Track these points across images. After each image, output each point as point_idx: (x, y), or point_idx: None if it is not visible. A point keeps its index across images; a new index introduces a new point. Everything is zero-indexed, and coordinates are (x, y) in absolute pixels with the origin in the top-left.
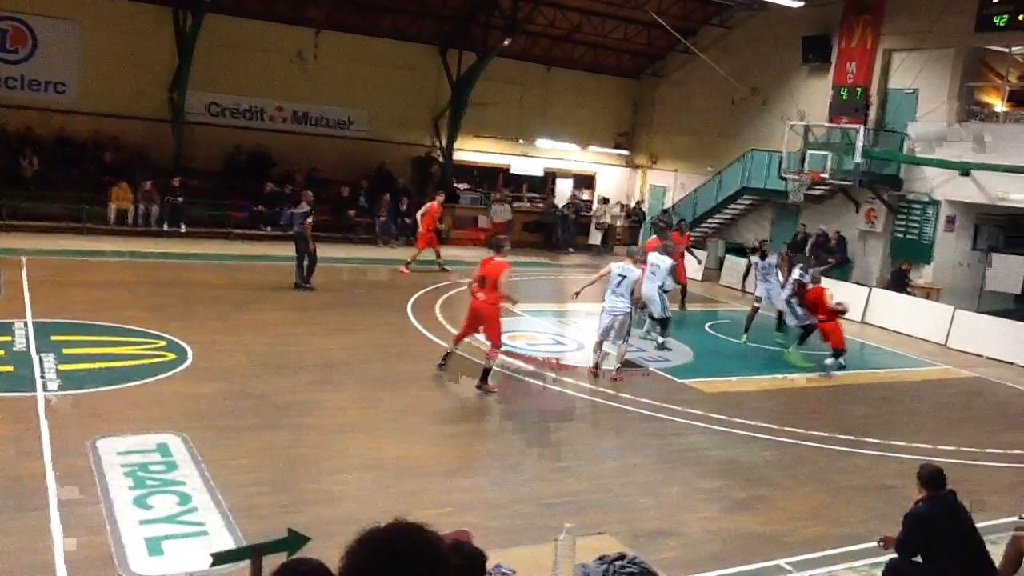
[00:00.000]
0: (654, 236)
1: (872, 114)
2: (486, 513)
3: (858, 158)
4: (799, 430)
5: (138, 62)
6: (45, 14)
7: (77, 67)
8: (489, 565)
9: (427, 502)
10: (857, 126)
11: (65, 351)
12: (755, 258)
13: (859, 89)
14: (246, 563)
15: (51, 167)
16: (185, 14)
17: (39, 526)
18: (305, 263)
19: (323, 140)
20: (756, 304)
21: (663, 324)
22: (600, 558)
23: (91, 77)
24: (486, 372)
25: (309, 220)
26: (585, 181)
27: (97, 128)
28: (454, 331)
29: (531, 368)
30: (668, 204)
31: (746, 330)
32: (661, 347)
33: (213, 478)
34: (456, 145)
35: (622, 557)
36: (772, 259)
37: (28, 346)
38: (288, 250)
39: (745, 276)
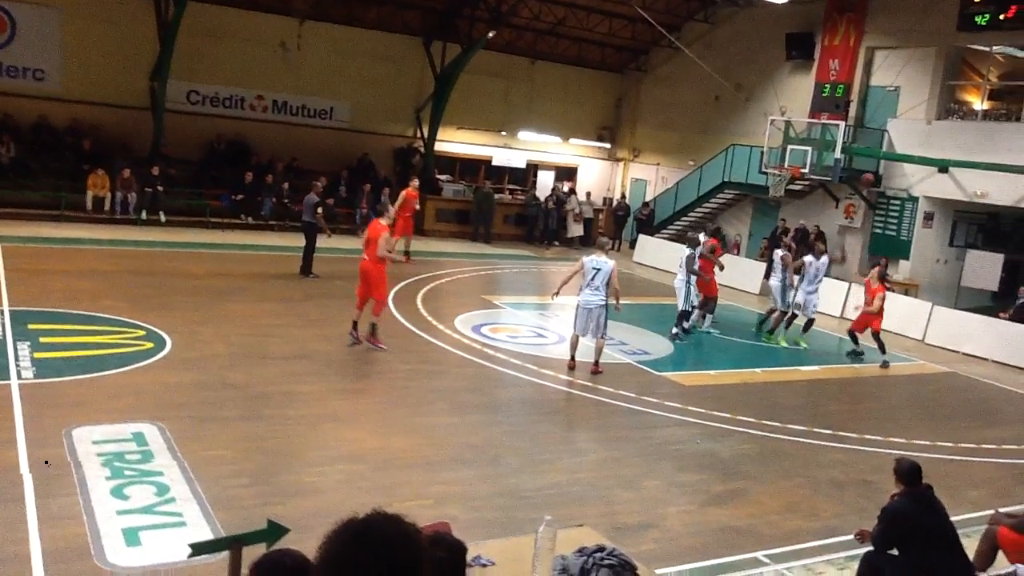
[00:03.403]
0: (710, 237)
1: (853, 111)
2: (466, 505)
3: (838, 154)
4: (776, 424)
5: (119, 50)
6: (25, 0)
7: (57, 54)
8: (469, 557)
9: (407, 494)
10: (838, 122)
11: (42, 340)
12: (810, 258)
13: (841, 86)
14: (225, 554)
15: (29, 154)
16: (167, 2)
17: (14, 517)
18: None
19: (304, 130)
20: (796, 311)
21: (683, 316)
22: (579, 550)
23: (71, 64)
24: (373, 327)
25: (320, 210)
26: (567, 174)
27: (76, 115)
28: (436, 323)
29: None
30: (649, 197)
31: (805, 330)
32: (675, 337)
33: (191, 469)
34: (439, 137)
35: (601, 549)
36: (825, 259)
37: (4, 334)
38: (266, 239)
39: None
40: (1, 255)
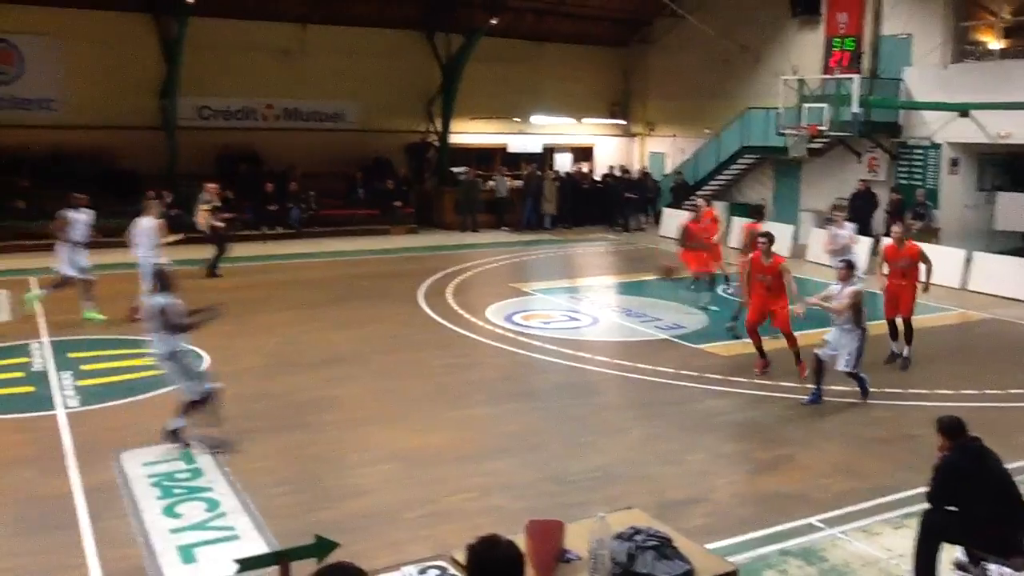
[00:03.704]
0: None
1: (866, 63)
2: (511, 494)
3: (855, 108)
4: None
5: (125, 72)
6: (28, 31)
7: (65, 82)
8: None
9: (451, 488)
10: (852, 76)
11: (82, 367)
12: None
13: (851, 39)
14: (274, 569)
15: (47, 185)
16: (168, 20)
17: (71, 543)
18: None
19: (315, 135)
20: None
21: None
22: (617, 535)
23: (80, 91)
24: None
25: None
26: (584, 154)
27: (89, 142)
28: (467, 315)
29: None
30: (668, 170)
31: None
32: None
33: (239, 482)
34: (452, 129)
35: (637, 532)
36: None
37: (46, 365)
38: (288, 248)
39: None
40: (35, 287)
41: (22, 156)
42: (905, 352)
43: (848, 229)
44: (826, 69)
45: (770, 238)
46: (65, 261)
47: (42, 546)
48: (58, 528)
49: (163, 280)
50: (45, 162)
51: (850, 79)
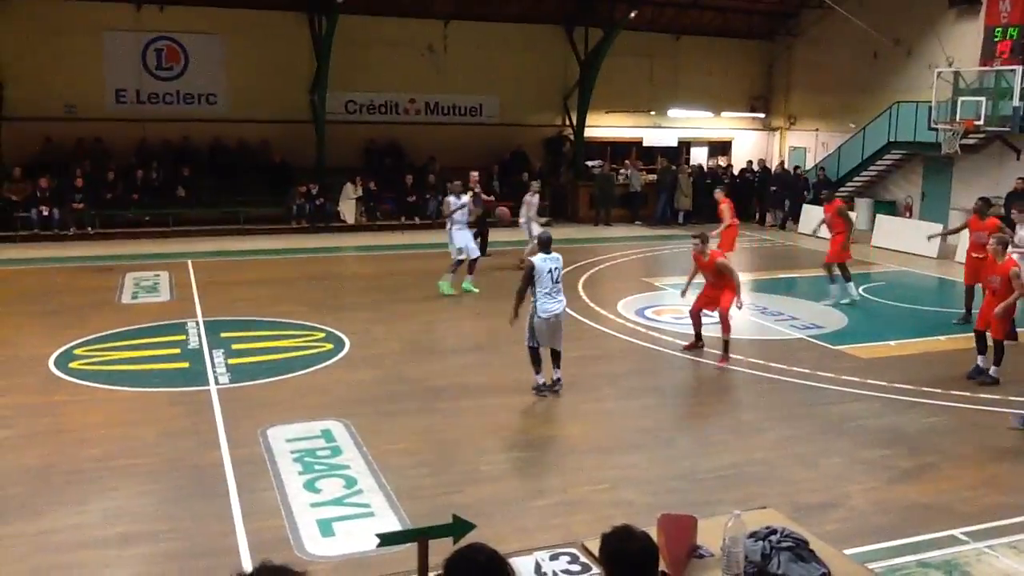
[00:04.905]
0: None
1: None
2: (641, 489)
3: (1016, 102)
4: (966, 393)
5: (278, 68)
6: (192, 31)
7: (224, 78)
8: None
9: (582, 480)
10: (1014, 67)
11: (234, 347)
12: None
13: (1014, 28)
14: (412, 544)
15: (207, 174)
16: (320, 18)
17: (222, 511)
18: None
19: (455, 128)
20: None
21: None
22: (752, 534)
23: (237, 87)
24: None
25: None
26: (721, 148)
27: (245, 134)
28: (599, 308)
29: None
30: (809, 165)
31: None
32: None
33: (375, 461)
34: (588, 122)
35: (773, 532)
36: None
37: (200, 343)
38: (426, 238)
39: None
40: (192, 270)
41: (184, 147)
42: (992, 372)
43: None
44: (985, 60)
45: (1003, 240)
46: (453, 242)
47: (197, 512)
48: (211, 496)
49: (544, 243)
50: (204, 153)
51: (1012, 71)
